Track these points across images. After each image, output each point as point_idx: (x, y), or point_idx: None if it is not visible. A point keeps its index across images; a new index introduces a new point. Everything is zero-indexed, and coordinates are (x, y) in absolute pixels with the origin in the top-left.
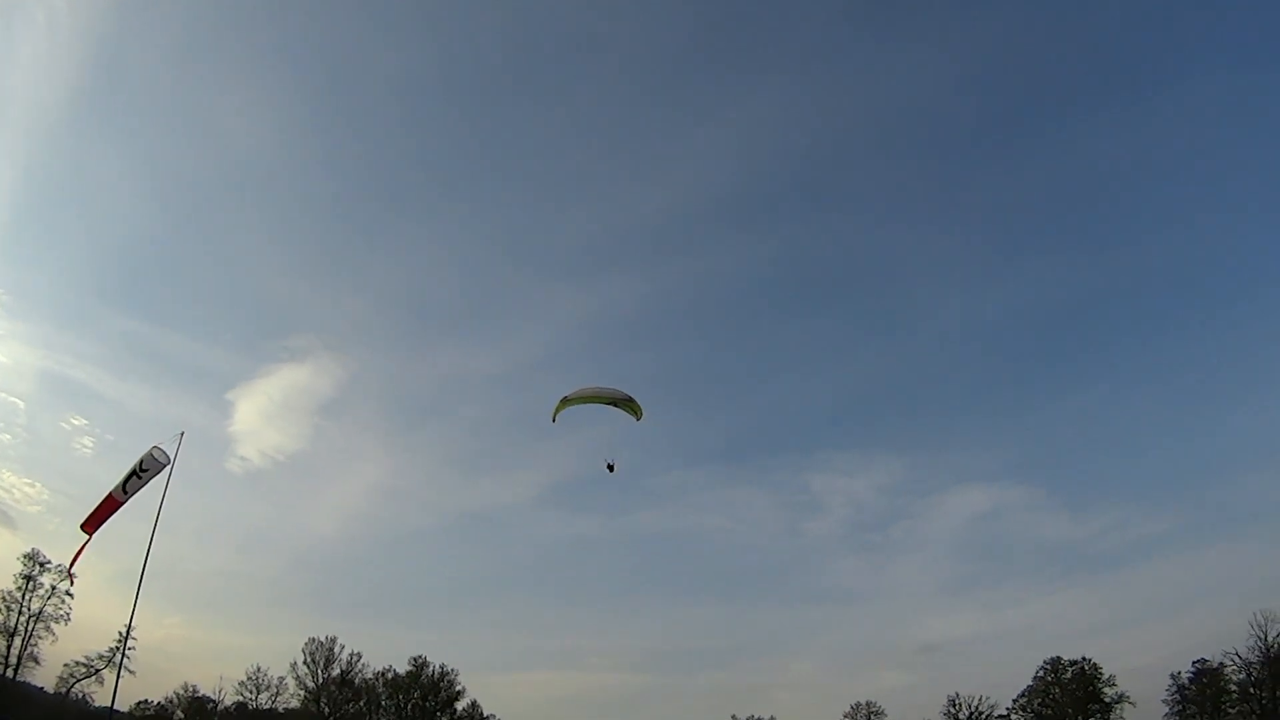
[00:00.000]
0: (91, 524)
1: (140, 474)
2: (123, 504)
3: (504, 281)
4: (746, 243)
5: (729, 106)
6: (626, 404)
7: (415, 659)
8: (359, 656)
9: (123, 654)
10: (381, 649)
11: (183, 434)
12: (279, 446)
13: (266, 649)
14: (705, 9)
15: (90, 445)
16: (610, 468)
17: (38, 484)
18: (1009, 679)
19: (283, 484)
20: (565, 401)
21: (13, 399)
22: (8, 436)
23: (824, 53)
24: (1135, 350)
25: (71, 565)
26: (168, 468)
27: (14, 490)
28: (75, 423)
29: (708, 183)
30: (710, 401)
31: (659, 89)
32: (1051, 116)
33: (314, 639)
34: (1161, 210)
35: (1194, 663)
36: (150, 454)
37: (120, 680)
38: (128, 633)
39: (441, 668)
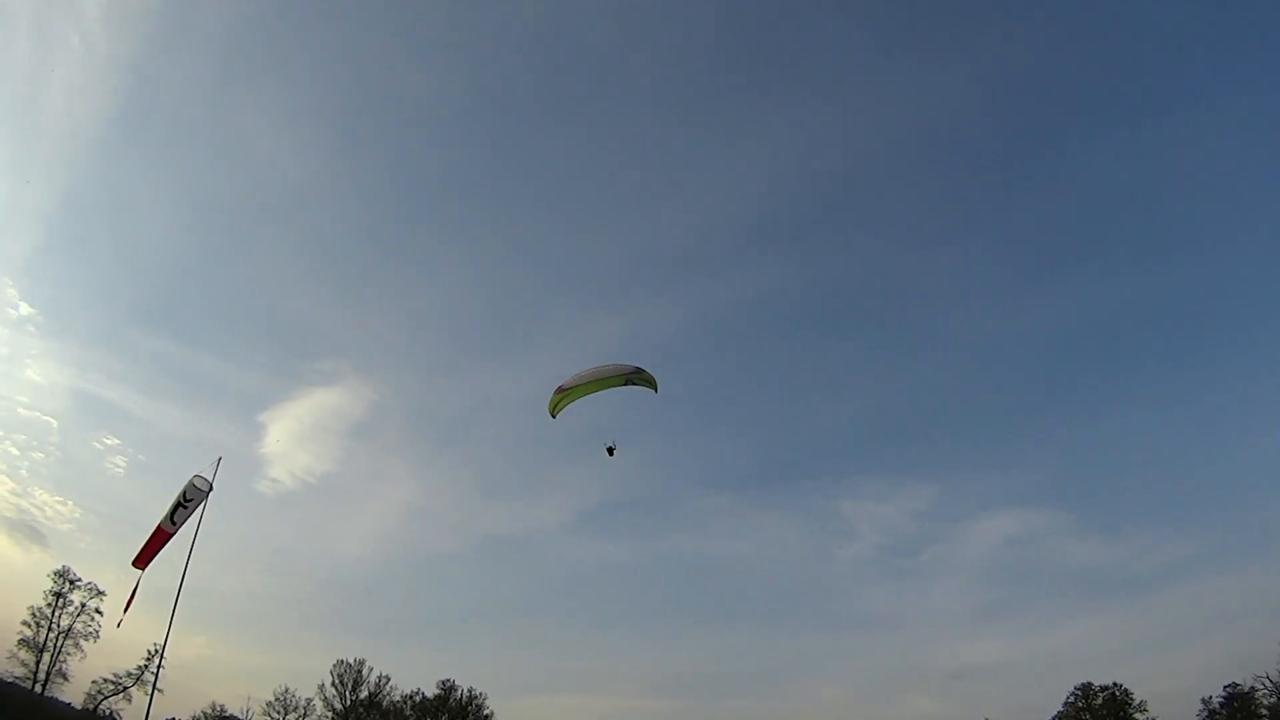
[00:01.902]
0: (143, 559)
1: (185, 504)
2: (172, 535)
3: (533, 304)
4: (775, 265)
5: (757, 129)
6: (638, 378)
7: (444, 682)
8: (387, 679)
9: (157, 673)
10: (410, 671)
11: (220, 459)
12: (309, 468)
13: (294, 670)
14: (733, 33)
15: (122, 464)
16: (610, 451)
17: (69, 502)
18: (1040, 705)
19: (313, 505)
20: (563, 393)
21: (46, 418)
22: (41, 455)
23: (850, 75)
24: (1165, 371)
25: (126, 608)
26: (207, 494)
27: (46, 508)
28: (108, 442)
29: (736, 205)
30: (739, 426)
31: (688, 111)
32: (1078, 135)
33: (342, 660)
34: (1193, 228)
35: (1225, 687)
36: (192, 483)
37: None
38: (162, 652)
39: (470, 691)
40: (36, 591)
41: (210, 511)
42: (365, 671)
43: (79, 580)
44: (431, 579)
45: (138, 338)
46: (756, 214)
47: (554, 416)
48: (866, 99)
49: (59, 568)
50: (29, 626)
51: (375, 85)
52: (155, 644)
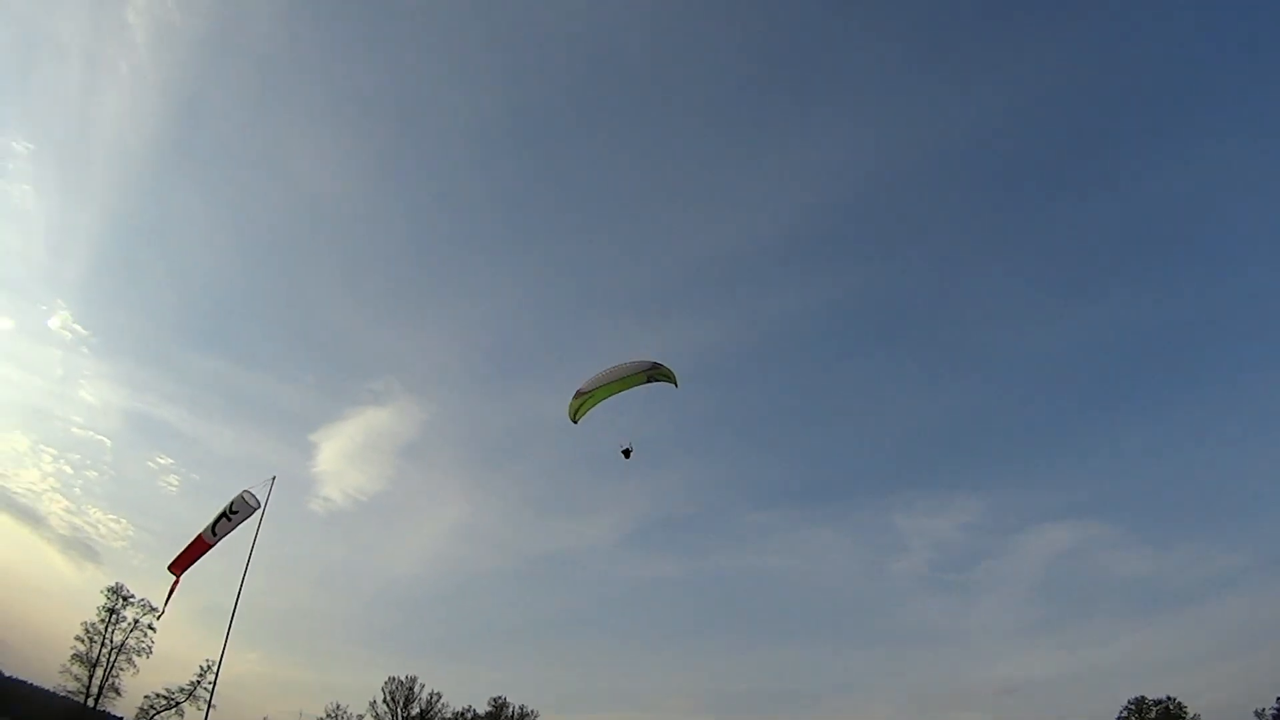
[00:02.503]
0: (179, 565)
1: (230, 516)
2: (211, 546)
3: (580, 323)
4: (820, 280)
5: (799, 145)
6: (658, 373)
7: (495, 699)
8: (439, 696)
9: (213, 688)
10: (461, 689)
11: (274, 478)
12: (361, 487)
13: (346, 686)
14: (771, 51)
15: (175, 483)
16: (627, 453)
17: (123, 520)
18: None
19: (364, 524)
20: (583, 397)
21: (100, 437)
22: (95, 474)
23: (889, 90)
24: (1211, 382)
25: (165, 604)
26: (259, 511)
27: (100, 525)
28: (161, 461)
29: (778, 221)
30: (788, 442)
31: (729, 129)
32: (1118, 150)
33: (393, 678)
34: (1237, 239)
35: (1278, 698)
36: (241, 497)
37: (203, 713)
38: (219, 667)
39: (521, 708)
40: (90, 608)
41: (263, 529)
42: (417, 688)
43: (132, 597)
44: (482, 597)
45: (190, 358)
46: (799, 229)
47: (575, 422)
48: (907, 113)
49: (112, 584)
50: (82, 642)
51: (419, 106)
52: (208, 659)
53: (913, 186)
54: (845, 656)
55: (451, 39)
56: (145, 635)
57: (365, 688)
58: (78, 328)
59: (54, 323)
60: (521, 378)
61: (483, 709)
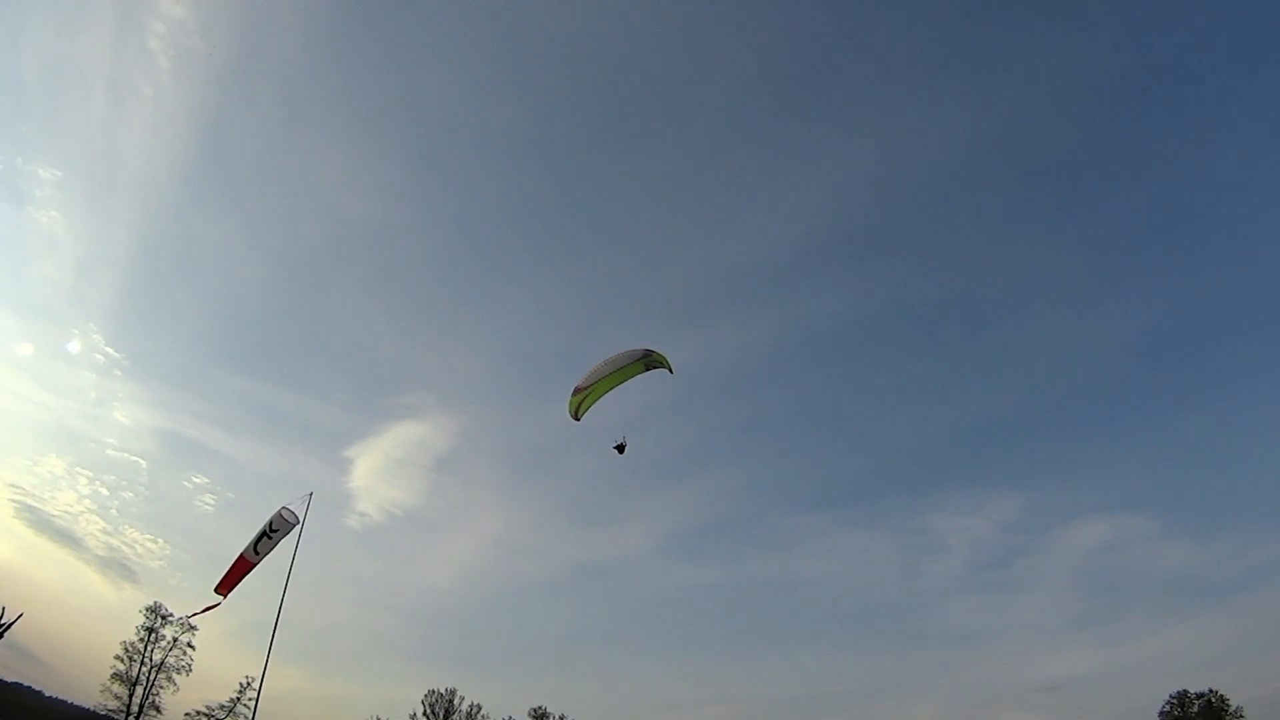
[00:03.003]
0: (225, 586)
1: (270, 535)
2: (255, 565)
3: (611, 332)
4: (849, 284)
5: (821, 148)
6: (650, 360)
7: (535, 710)
8: (479, 708)
9: (256, 704)
10: (501, 700)
11: (311, 494)
12: (397, 502)
13: (386, 700)
14: (783, 60)
15: (211, 502)
16: (620, 449)
17: (160, 539)
18: (1135, 715)
19: (401, 538)
20: (583, 393)
21: (135, 458)
22: (130, 494)
23: (903, 94)
24: (1250, 371)
25: (194, 615)
26: (297, 527)
27: (136, 545)
28: (196, 481)
29: (810, 225)
30: (823, 445)
31: (749, 135)
32: (1153, 135)
33: (433, 690)
34: (1276, 228)
35: None
36: (279, 514)
37: None
38: (261, 684)
39: (562, 718)
40: (129, 627)
41: (301, 546)
42: (457, 701)
43: (170, 615)
44: (519, 607)
45: (221, 378)
46: (832, 232)
47: (577, 419)
48: (925, 116)
49: (151, 603)
50: (121, 661)
51: (443, 123)
52: (247, 676)
53: (938, 188)
54: (885, 659)
55: (473, 58)
56: (185, 653)
57: (405, 701)
58: (110, 351)
59: (74, 347)
60: (553, 387)
61: (522, 719)
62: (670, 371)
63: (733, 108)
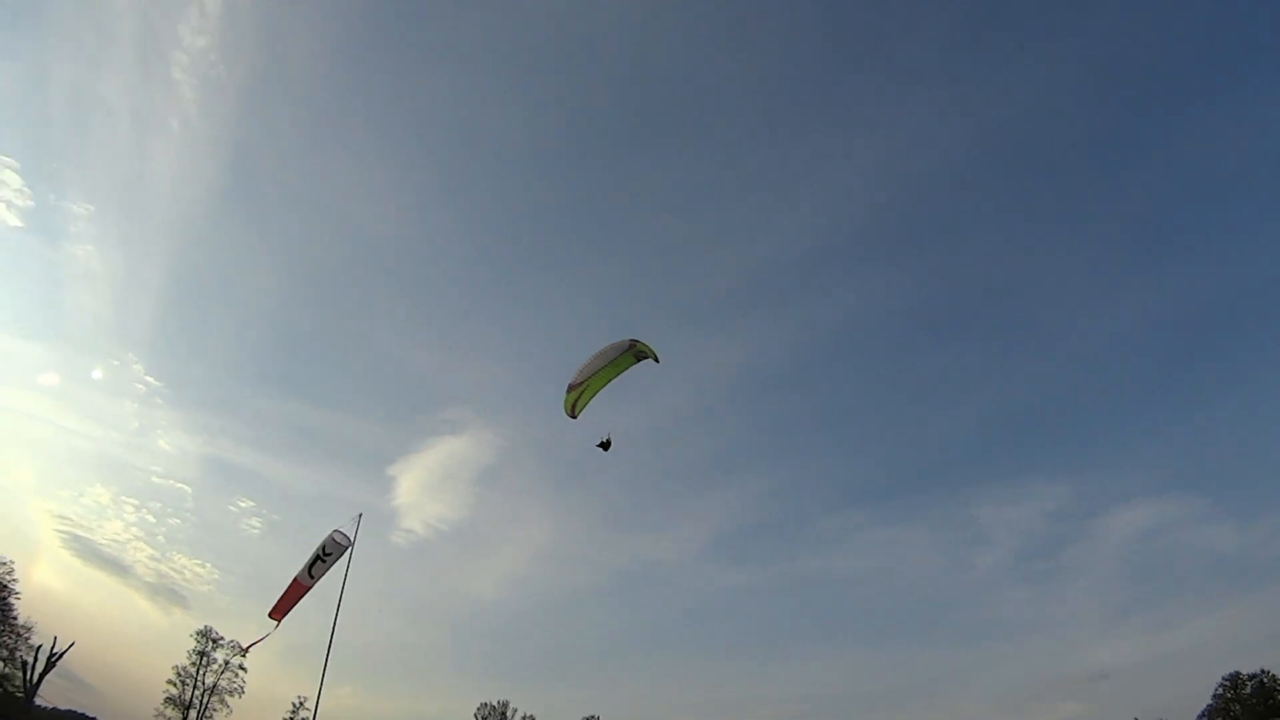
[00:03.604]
0: (279, 611)
1: (324, 558)
2: (309, 588)
3: (647, 334)
4: (882, 277)
5: (857, 138)
6: (635, 350)
7: (588, 718)
8: (532, 718)
9: None
10: (554, 709)
11: (361, 515)
12: (442, 517)
13: (439, 714)
14: (825, 45)
15: (258, 525)
16: (604, 446)
17: (208, 564)
18: (1188, 699)
19: (448, 553)
20: (577, 390)
21: (180, 485)
22: (177, 521)
23: (944, 75)
24: None
25: (251, 645)
26: (349, 549)
27: (185, 571)
28: (242, 504)
29: (841, 217)
30: (864, 440)
31: (785, 128)
32: (1182, 113)
33: (486, 703)
34: None
35: None
36: (331, 538)
37: None
38: (317, 703)
39: None
40: (180, 651)
41: (351, 565)
42: (509, 712)
43: (221, 639)
44: (568, 616)
45: (261, 401)
46: (858, 228)
47: (574, 417)
48: (963, 97)
49: (201, 627)
50: (174, 685)
51: (469, 131)
52: (300, 696)
53: (967, 175)
54: (934, 654)
55: (493, 71)
56: (237, 675)
57: (460, 715)
58: (150, 380)
59: (96, 375)
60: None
61: None
62: (656, 361)
63: (747, 109)
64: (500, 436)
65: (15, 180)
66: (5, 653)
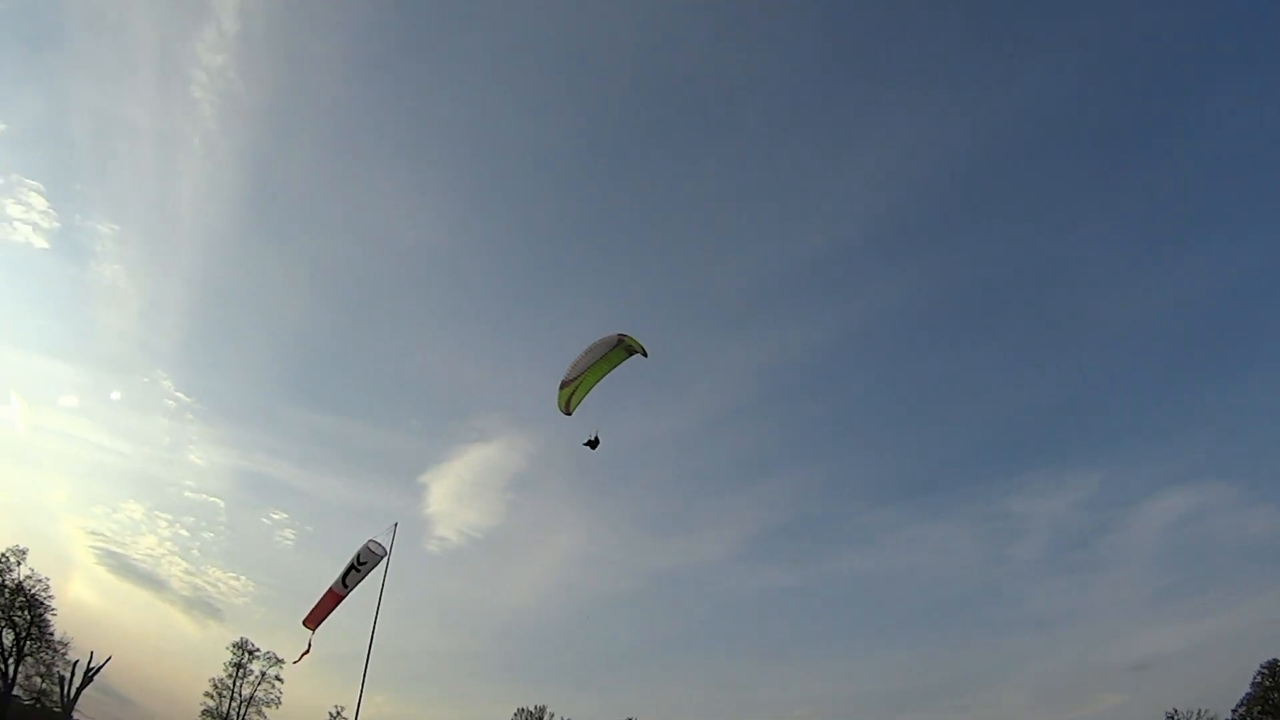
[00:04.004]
0: (313, 620)
1: (358, 568)
2: (344, 598)
3: (676, 338)
4: (910, 272)
5: (873, 137)
6: (625, 344)
7: None
8: None
9: None
10: (590, 714)
11: (396, 525)
12: (474, 524)
13: None
14: (839, 43)
15: (291, 537)
16: (592, 444)
17: (242, 577)
18: (1227, 687)
19: (481, 560)
20: (570, 386)
21: (212, 499)
22: (211, 534)
23: (958, 68)
24: None
25: (299, 659)
26: (384, 558)
27: (220, 584)
28: (275, 517)
29: (860, 218)
30: (895, 438)
31: (802, 127)
32: (1206, 88)
33: (523, 709)
34: None
35: None
36: (366, 547)
37: None
38: (357, 713)
39: None
40: (216, 664)
41: (387, 574)
42: (546, 717)
43: (257, 650)
44: (603, 621)
45: (291, 414)
46: (883, 225)
47: (569, 413)
48: (978, 90)
49: (237, 639)
50: (211, 697)
51: (493, 142)
52: (337, 705)
53: (989, 163)
54: (972, 648)
55: (516, 70)
56: (273, 686)
57: None
58: (180, 395)
59: (115, 396)
60: (625, 400)
61: None
62: (645, 355)
63: (785, 100)
64: (532, 443)
65: (41, 203)
66: (43, 668)
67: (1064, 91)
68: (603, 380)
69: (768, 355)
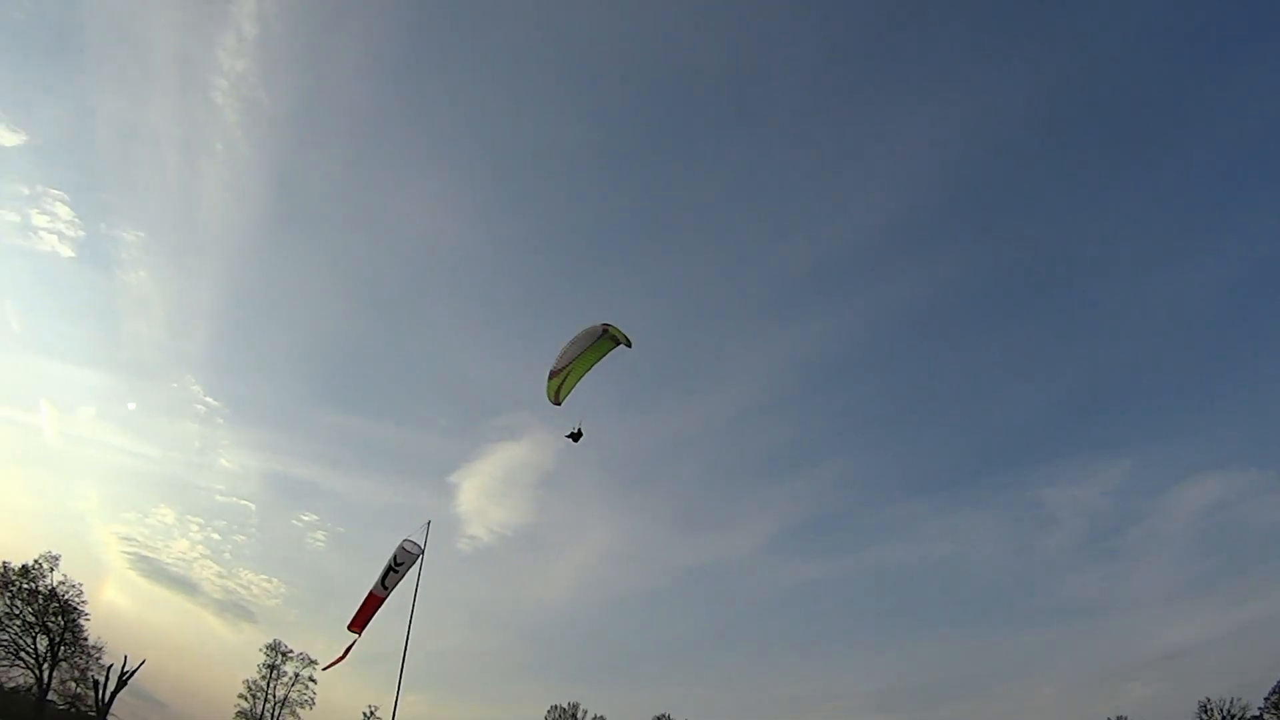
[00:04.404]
0: (358, 624)
1: (396, 568)
2: (384, 599)
3: (708, 331)
4: (935, 263)
5: (890, 130)
6: (611, 333)
7: (659, 717)
8: (602, 719)
9: None
10: (624, 710)
11: (430, 523)
12: (505, 522)
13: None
14: (856, 34)
15: (322, 539)
16: (574, 437)
17: (274, 579)
18: (1261, 676)
19: (512, 558)
20: (559, 376)
21: (244, 502)
22: (242, 537)
23: (977, 51)
24: None
25: (336, 661)
26: (419, 557)
27: (252, 586)
28: (305, 519)
29: (884, 210)
30: (926, 429)
31: (816, 125)
32: (1243, 66)
33: (556, 706)
34: None
35: None
36: (402, 547)
37: None
38: (395, 713)
39: None
40: (250, 666)
41: (421, 573)
42: (580, 714)
43: (290, 651)
44: (635, 617)
45: (319, 416)
46: (910, 213)
47: (558, 404)
48: (988, 81)
49: (270, 641)
50: (245, 699)
51: (519, 138)
52: (370, 706)
53: (1006, 156)
54: (1006, 639)
55: (544, 72)
56: (307, 688)
57: (530, 718)
58: (209, 400)
59: (131, 406)
60: (655, 395)
61: None
62: (629, 346)
63: (801, 98)
64: (560, 440)
65: (66, 212)
66: (77, 673)
67: (1090, 69)
68: (591, 371)
69: (795, 350)
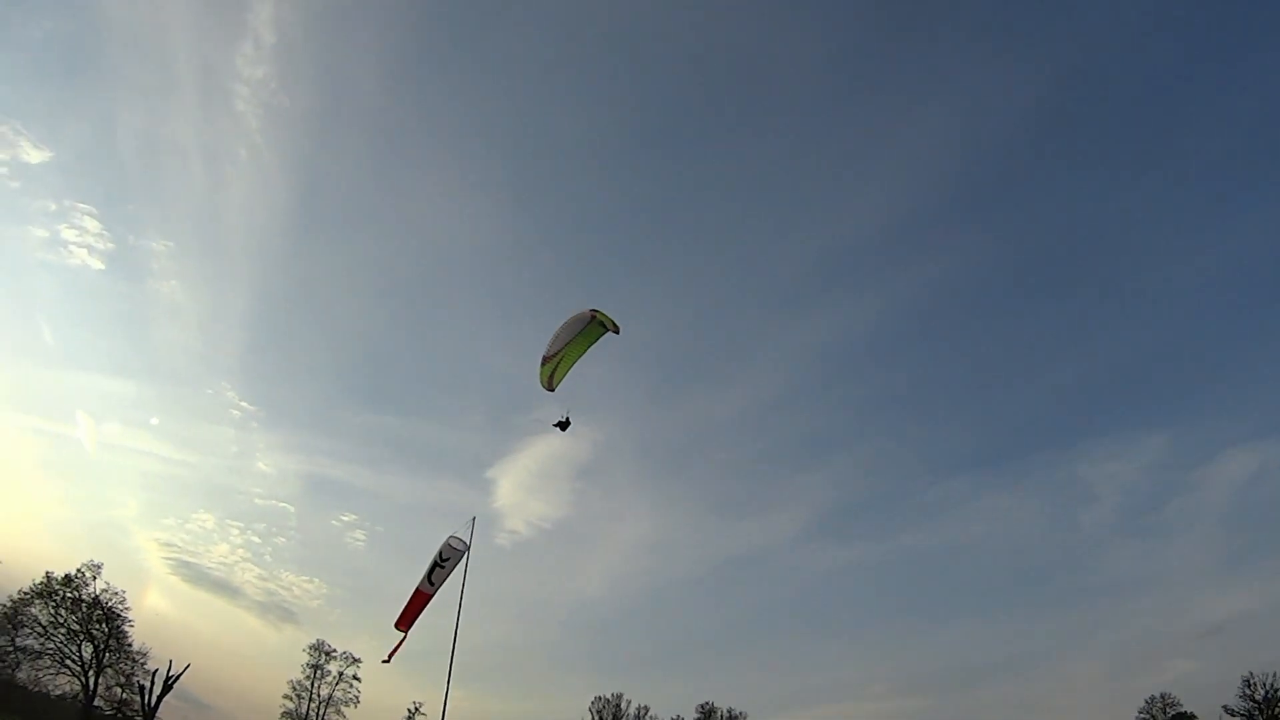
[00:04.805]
0: (405, 621)
1: (442, 564)
2: (432, 596)
3: (736, 320)
4: (967, 238)
5: (929, 99)
6: (600, 318)
7: (703, 705)
8: (646, 709)
9: None
10: (668, 700)
11: (475, 519)
12: (544, 515)
13: (554, 712)
14: (872, 28)
15: (362, 538)
16: (562, 425)
17: (315, 580)
18: None
19: (551, 550)
20: (552, 362)
21: (282, 504)
22: (282, 539)
23: (989, 35)
24: None
25: (389, 657)
26: (465, 553)
27: (294, 588)
28: (344, 519)
29: (924, 184)
30: (960, 408)
31: (854, 98)
32: (1267, 41)
33: (600, 697)
34: None
35: None
36: (448, 544)
37: None
38: (445, 708)
39: (729, 711)
40: (294, 666)
41: (457, 570)
42: (624, 704)
43: (334, 651)
44: (676, 606)
45: (354, 416)
46: (940, 191)
47: (551, 389)
48: (1017, 51)
49: (314, 641)
50: (290, 699)
51: (537, 136)
52: (415, 702)
53: (1039, 132)
54: (1044, 618)
55: (558, 69)
56: (351, 686)
57: (575, 711)
58: (244, 405)
59: (154, 421)
60: (688, 384)
61: (691, 717)
62: (616, 331)
63: (811, 88)
64: (597, 431)
65: (94, 225)
66: (122, 679)
67: (1121, 44)
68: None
69: (829, 331)
